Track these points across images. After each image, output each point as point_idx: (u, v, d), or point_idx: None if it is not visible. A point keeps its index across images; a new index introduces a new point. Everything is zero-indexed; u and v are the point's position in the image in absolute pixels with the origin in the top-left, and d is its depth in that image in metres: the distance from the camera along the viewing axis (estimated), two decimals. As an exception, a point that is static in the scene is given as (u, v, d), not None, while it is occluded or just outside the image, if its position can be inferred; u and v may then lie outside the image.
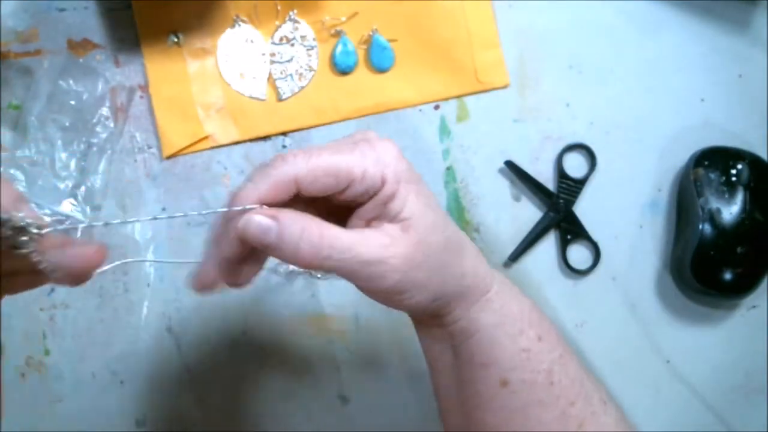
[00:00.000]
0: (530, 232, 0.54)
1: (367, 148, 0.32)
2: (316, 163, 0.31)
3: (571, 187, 0.54)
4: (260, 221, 0.30)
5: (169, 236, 0.53)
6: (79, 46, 0.54)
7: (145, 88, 0.54)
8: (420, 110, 0.55)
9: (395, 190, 0.32)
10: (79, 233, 0.32)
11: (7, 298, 0.53)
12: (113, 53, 0.54)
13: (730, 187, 0.51)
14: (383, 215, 0.32)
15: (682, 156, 0.54)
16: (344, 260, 0.31)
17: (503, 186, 0.55)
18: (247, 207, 0.31)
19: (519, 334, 0.35)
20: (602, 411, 0.36)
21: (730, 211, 0.51)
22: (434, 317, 0.35)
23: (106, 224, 0.33)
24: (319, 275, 0.54)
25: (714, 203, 0.51)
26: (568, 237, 0.54)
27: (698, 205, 0.51)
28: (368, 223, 0.33)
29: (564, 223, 0.54)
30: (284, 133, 0.55)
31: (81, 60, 0.53)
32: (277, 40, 0.54)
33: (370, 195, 0.32)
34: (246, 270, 0.34)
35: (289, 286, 0.54)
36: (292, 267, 0.54)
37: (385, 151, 0.32)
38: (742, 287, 0.52)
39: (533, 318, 0.36)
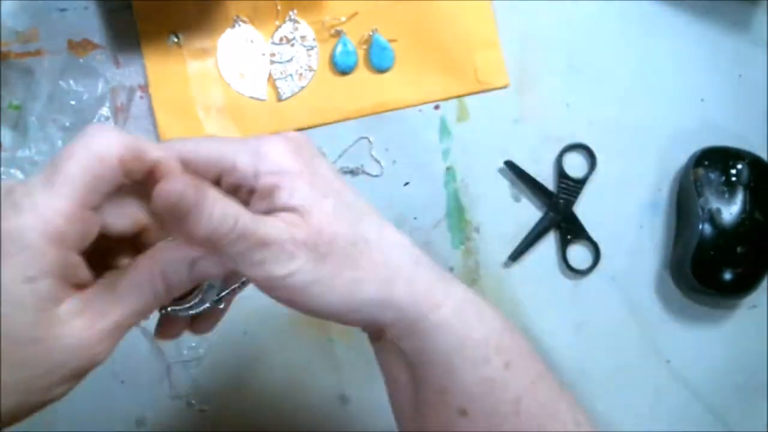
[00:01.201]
0: (530, 232, 0.54)
1: (251, 141, 0.30)
2: (196, 146, 0.30)
3: (571, 187, 0.54)
4: (181, 185, 0.25)
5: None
6: (79, 46, 0.54)
7: (145, 88, 0.54)
8: (420, 110, 0.55)
9: (276, 182, 0.29)
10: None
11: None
12: (113, 53, 0.54)
13: (730, 187, 0.51)
14: (273, 208, 0.29)
15: (682, 156, 0.54)
16: (247, 236, 0.27)
17: (503, 186, 0.55)
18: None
19: (483, 362, 0.31)
20: None
21: (730, 211, 0.51)
22: (376, 331, 0.32)
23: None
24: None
25: (714, 203, 0.51)
26: (568, 237, 0.54)
27: (698, 205, 0.51)
28: None
29: (564, 223, 0.54)
30: (284, 133, 0.55)
31: (81, 60, 0.53)
32: (277, 40, 0.54)
33: (248, 189, 0.30)
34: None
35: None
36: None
37: (270, 145, 0.30)
38: (742, 287, 0.52)
39: (503, 342, 0.32)
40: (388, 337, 0.32)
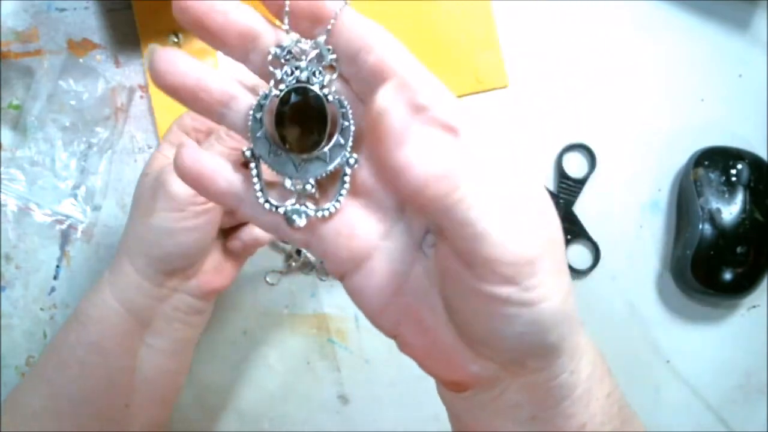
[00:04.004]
0: (530, 232, 0.54)
1: None
2: None
3: (571, 187, 0.54)
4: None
5: (169, 236, 0.53)
6: (79, 46, 0.54)
7: (145, 88, 0.54)
8: (420, 110, 0.55)
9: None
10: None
11: (8, 298, 0.53)
12: (113, 53, 0.54)
13: (730, 187, 0.51)
14: None
15: (682, 156, 0.54)
16: None
17: (503, 186, 0.55)
18: None
19: (603, 378, 0.28)
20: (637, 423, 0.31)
21: (730, 211, 0.51)
22: (531, 365, 0.26)
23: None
24: (323, 278, 0.54)
25: (714, 203, 0.51)
26: (568, 237, 0.54)
27: (698, 205, 0.51)
28: None
29: (564, 223, 0.54)
30: (284, 133, 0.55)
31: (81, 60, 0.53)
32: (277, 40, 0.54)
33: None
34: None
35: (289, 285, 0.54)
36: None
37: None
38: (742, 287, 0.52)
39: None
40: (519, 379, 0.26)
